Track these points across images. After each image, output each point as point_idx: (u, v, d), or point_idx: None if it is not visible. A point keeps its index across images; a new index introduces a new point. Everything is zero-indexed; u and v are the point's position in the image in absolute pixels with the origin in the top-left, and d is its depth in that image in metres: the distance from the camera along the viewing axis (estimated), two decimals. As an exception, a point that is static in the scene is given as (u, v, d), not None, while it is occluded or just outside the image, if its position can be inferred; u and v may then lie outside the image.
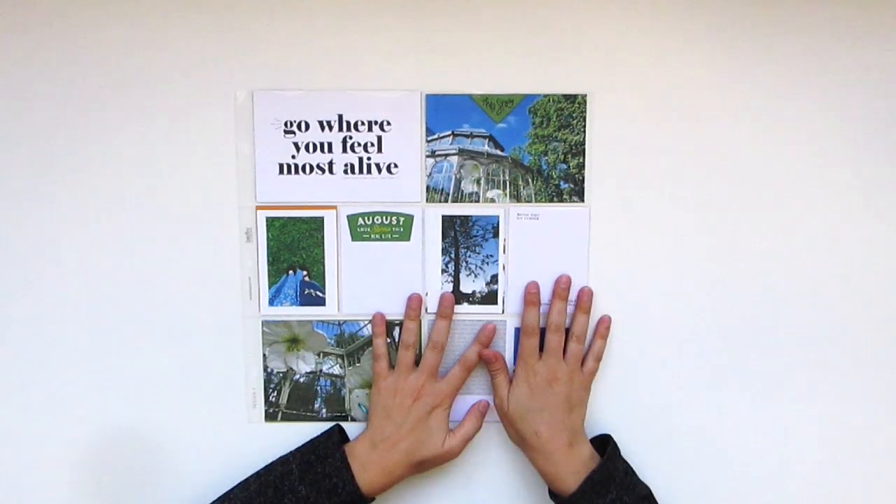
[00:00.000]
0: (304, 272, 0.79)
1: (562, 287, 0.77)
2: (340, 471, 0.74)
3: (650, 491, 0.77)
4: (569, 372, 0.77)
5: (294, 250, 0.78)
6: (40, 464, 0.81)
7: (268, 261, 0.79)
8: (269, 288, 0.79)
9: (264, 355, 0.81)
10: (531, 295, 0.77)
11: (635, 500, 0.74)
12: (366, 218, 0.79)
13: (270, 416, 0.81)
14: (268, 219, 0.77)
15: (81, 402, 0.81)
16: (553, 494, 0.77)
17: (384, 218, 0.79)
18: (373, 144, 0.78)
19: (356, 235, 0.79)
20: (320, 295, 0.80)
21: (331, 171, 0.78)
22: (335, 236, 0.79)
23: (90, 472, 0.81)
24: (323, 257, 0.79)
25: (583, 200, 0.79)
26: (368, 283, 0.79)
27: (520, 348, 0.78)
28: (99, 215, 0.78)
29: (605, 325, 0.79)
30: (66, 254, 0.79)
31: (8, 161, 0.78)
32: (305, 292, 0.79)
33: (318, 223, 0.78)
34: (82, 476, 0.82)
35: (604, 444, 0.77)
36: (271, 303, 0.80)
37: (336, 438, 0.77)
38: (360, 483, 0.74)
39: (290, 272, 0.79)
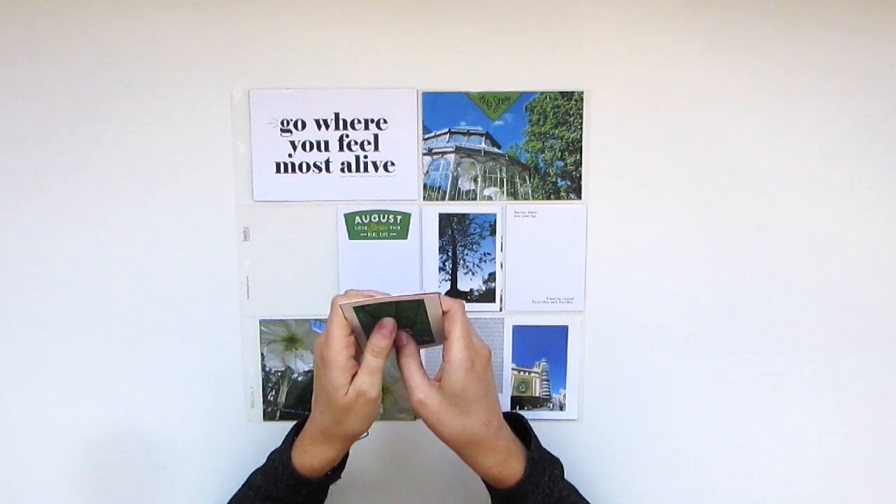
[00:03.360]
0: (408, 329, 0.72)
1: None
2: (283, 453, 0.71)
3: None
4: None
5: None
6: (37, 463, 0.81)
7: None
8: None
9: (262, 354, 0.81)
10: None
11: (561, 472, 0.71)
12: (363, 216, 0.79)
13: (269, 416, 0.81)
14: (356, 308, 0.66)
15: (78, 401, 0.81)
16: (492, 487, 0.71)
17: (381, 216, 0.79)
18: (369, 143, 0.78)
19: (353, 234, 0.79)
20: (318, 294, 0.80)
21: (327, 170, 0.78)
22: (334, 235, 0.79)
23: (88, 473, 0.82)
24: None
25: (580, 198, 0.79)
26: (365, 282, 0.79)
27: (461, 322, 0.66)
28: (96, 214, 0.79)
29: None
30: (63, 253, 0.79)
31: (4, 160, 0.78)
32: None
33: (419, 302, 0.69)
34: (80, 476, 0.82)
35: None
36: None
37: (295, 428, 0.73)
38: (294, 460, 0.69)
39: None
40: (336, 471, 0.73)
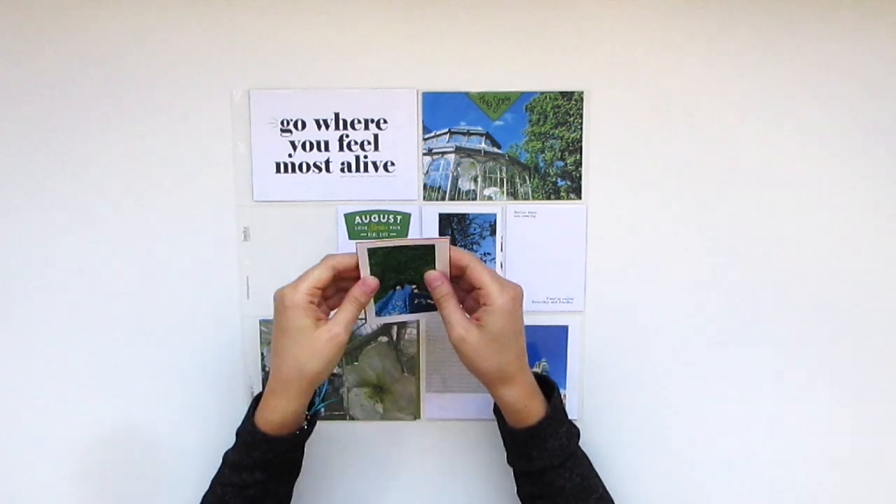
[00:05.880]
0: (413, 286, 0.72)
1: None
2: (247, 422, 0.70)
3: None
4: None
5: (402, 270, 0.71)
6: (37, 463, 0.81)
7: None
8: (376, 302, 0.72)
9: (262, 354, 0.81)
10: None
11: (577, 433, 0.73)
12: (363, 216, 0.79)
13: (269, 415, 0.82)
14: (370, 249, 0.68)
15: (78, 401, 0.81)
16: (507, 428, 0.72)
17: (381, 216, 0.79)
18: (369, 143, 0.78)
19: (353, 234, 0.79)
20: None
21: (328, 170, 0.78)
22: (334, 235, 0.79)
23: (88, 472, 0.82)
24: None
25: (580, 198, 0.79)
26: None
27: (487, 269, 0.69)
28: (96, 214, 0.79)
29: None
30: (63, 253, 0.79)
31: (5, 160, 0.78)
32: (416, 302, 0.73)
33: (429, 250, 0.70)
34: (81, 476, 0.82)
35: None
36: (379, 313, 0.73)
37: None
38: (258, 423, 0.68)
39: (398, 288, 0.72)
40: (305, 429, 0.72)
